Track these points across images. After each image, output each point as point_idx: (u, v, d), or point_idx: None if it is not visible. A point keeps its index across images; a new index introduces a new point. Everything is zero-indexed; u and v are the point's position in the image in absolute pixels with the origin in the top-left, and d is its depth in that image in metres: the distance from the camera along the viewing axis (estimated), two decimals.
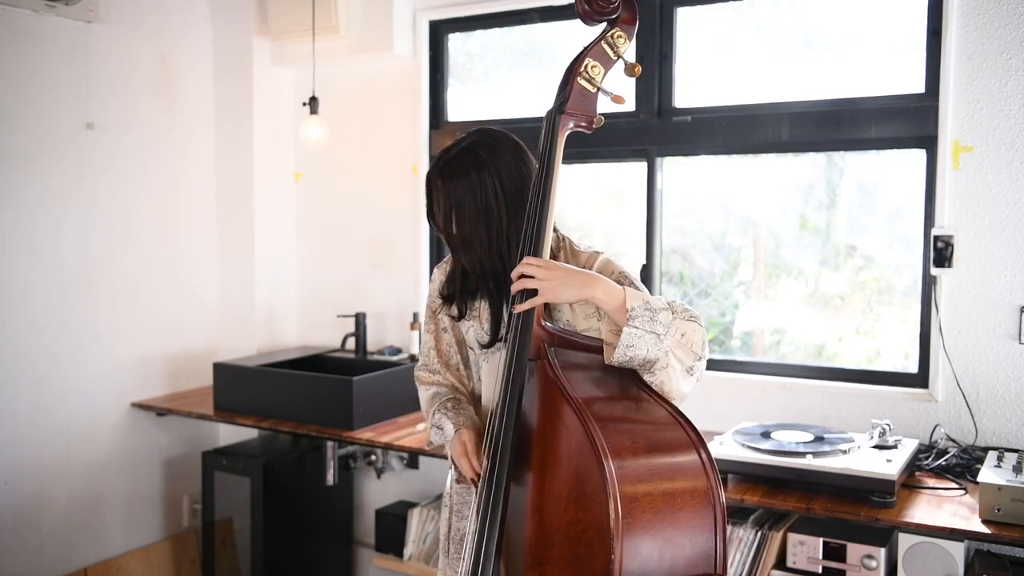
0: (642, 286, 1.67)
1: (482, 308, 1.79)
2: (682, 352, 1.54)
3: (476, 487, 1.60)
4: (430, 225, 1.78)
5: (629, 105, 3.12)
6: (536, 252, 1.58)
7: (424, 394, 1.90)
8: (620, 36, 1.63)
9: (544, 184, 1.60)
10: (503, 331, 1.73)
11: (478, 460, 1.62)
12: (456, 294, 1.81)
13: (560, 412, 1.47)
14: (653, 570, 1.38)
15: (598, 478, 1.36)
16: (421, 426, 3.10)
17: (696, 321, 1.58)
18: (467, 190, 1.66)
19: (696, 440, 1.46)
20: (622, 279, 1.65)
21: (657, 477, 1.41)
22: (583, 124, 1.65)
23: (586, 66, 1.62)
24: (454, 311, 1.82)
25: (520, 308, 1.56)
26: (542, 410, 1.52)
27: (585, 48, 1.64)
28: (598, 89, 1.63)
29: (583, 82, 1.62)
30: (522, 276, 1.55)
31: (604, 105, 1.67)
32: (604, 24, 1.65)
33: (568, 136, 1.64)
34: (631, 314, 1.50)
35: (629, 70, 1.65)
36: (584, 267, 1.69)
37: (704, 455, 1.45)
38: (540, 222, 1.59)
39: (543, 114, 1.68)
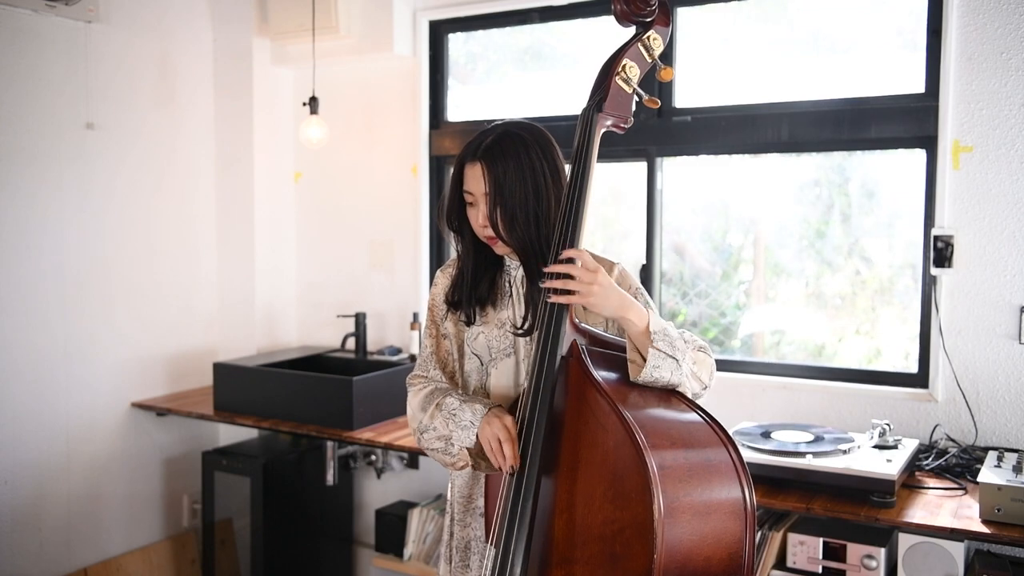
0: (653, 304, 1.69)
1: (514, 303, 1.73)
2: (693, 380, 1.57)
3: (510, 476, 1.54)
4: (444, 224, 1.72)
5: None
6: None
7: (419, 394, 1.73)
8: (656, 39, 1.63)
9: (580, 181, 1.57)
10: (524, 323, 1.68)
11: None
12: (463, 300, 1.74)
13: (595, 409, 1.46)
14: (690, 572, 1.37)
15: (639, 476, 1.35)
16: None
17: (705, 351, 1.62)
18: (514, 170, 1.61)
19: (726, 440, 1.46)
20: (638, 295, 1.67)
21: (695, 478, 1.40)
22: (621, 124, 1.63)
23: (624, 66, 1.61)
24: (462, 317, 1.76)
25: (555, 299, 1.51)
26: (574, 407, 1.50)
27: (621, 48, 1.62)
28: (634, 90, 1.62)
29: (620, 82, 1.61)
30: (562, 273, 1.50)
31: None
32: (637, 26, 1.63)
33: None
34: (654, 336, 1.50)
35: (663, 74, 1.64)
36: None
37: (735, 455, 1.45)
38: (575, 219, 1.56)
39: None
